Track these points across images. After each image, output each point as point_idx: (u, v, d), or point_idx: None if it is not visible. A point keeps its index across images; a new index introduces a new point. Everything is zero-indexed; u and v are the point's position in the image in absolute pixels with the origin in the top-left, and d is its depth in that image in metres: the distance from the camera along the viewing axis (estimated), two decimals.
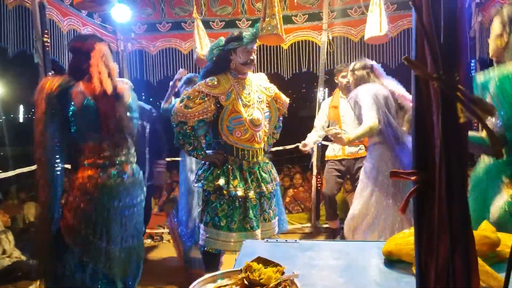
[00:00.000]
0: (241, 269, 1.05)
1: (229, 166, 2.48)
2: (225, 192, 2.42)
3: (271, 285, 0.96)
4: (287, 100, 2.79)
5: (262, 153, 2.64)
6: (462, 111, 0.51)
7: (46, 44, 3.08)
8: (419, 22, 0.55)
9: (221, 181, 2.43)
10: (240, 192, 2.42)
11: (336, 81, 3.87)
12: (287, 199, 5.41)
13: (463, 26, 0.55)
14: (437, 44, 0.53)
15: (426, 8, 0.58)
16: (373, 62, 2.89)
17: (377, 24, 3.55)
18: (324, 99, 4.26)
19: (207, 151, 2.58)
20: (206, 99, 2.44)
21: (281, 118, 2.82)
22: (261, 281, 0.98)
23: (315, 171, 4.38)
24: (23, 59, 3.23)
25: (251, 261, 1.07)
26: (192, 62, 4.47)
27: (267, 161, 2.70)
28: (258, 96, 2.58)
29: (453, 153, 0.54)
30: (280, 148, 4.62)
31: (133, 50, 4.54)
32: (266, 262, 1.07)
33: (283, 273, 1.03)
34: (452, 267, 0.66)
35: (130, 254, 2.11)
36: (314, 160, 4.32)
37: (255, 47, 2.53)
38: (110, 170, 2.00)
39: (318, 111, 4.00)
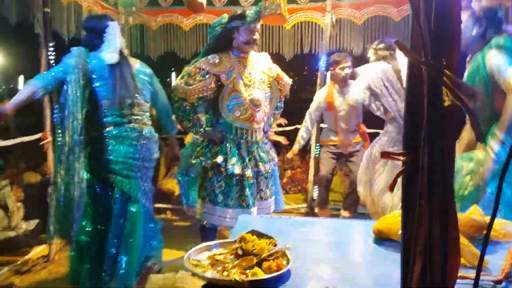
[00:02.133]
0: (235, 240, 1.10)
1: (228, 144, 2.51)
2: (222, 169, 2.46)
3: (264, 255, 1.01)
4: (289, 81, 2.77)
5: (261, 133, 2.66)
6: (447, 95, 0.54)
7: (47, 14, 3.06)
8: (412, 9, 0.57)
9: (219, 159, 2.46)
10: (237, 170, 2.46)
11: (331, 72, 3.75)
12: (285, 180, 5.47)
13: (454, 14, 0.58)
14: (427, 31, 0.55)
15: None
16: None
17: None
18: (325, 82, 4.22)
19: (207, 128, 2.60)
20: (207, 76, 2.44)
21: (282, 99, 2.81)
22: (254, 251, 1.03)
23: (313, 153, 4.42)
24: (24, 29, 3.21)
25: (246, 233, 1.12)
26: (193, 39, 4.44)
27: (266, 141, 2.72)
28: (259, 76, 2.57)
29: (437, 135, 0.58)
30: (280, 129, 4.64)
31: (134, 24, 4.49)
32: (259, 235, 1.12)
33: (275, 245, 1.08)
34: (431, 242, 0.70)
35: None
36: (312, 142, 4.35)
37: (258, 26, 2.50)
38: (126, 126, 2.33)
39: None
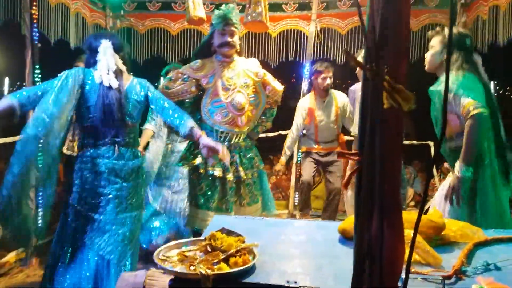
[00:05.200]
0: (205, 237, 1.14)
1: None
2: (201, 171, 2.48)
3: (231, 251, 1.06)
4: (279, 88, 2.75)
5: (245, 138, 2.65)
6: (386, 98, 0.60)
7: (33, 16, 3.07)
8: (361, 23, 0.64)
9: (198, 160, 2.49)
10: (217, 172, 2.47)
11: (313, 81, 3.80)
12: (269, 186, 5.49)
13: (397, 28, 0.64)
14: (373, 42, 0.62)
15: (370, 12, 0.67)
16: None
17: None
18: (309, 90, 4.29)
19: None
20: (187, 81, 2.50)
21: (274, 107, 2.78)
22: (222, 247, 1.07)
23: (295, 158, 4.48)
24: (10, 30, 3.22)
25: (216, 231, 1.16)
26: (181, 44, 4.49)
27: (250, 147, 2.69)
28: (243, 81, 2.58)
29: (378, 134, 0.63)
30: (263, 135, 4.69)
31: (121, 28, 4.52)
32: (229, 233, 1.16)
33: (243, 242, 1.12)
34: (381, 236, 0.75)
35: (117, 232, 2.17)
36: (295, 148, 4.41)
37: (233, 29, 2.51)
38: (102, 148, 2.17)
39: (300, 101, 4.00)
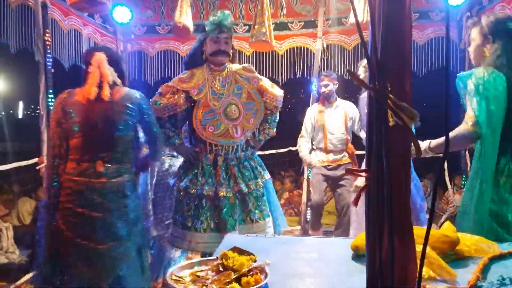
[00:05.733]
0: (217, 257, 1.15)
1: (200, 163, 2.41)
2: (192, 191, 2.36)
3: (243, 271, 1.06)
4: (278, 93, 2.59)
5: (243, 148, 2.51)
6: (391, 116, 0.61)
7: (47, 42, 3.17)
8: (361, 42, 0.65)
9: (188, 180, 2.39)
10: (207, 191, 2.34)
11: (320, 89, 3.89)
12: (282, 201, 5.47)
13: (399, 46, 0.65)
14: (375, 61, 0.63)
15: (372, 29, 0.69)
16: None
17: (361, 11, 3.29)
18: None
19: (187, 145, 2.54)
20: (175, 94, 2.40)
21: (275, 113, 2.63)
22: (234, 267, 1.07)
23: (305, 174, 4.47)
24: (25, 56, 3.32)
25: (227, 250, 1.16)
26: None
27: (251, 156, 2.56)
28: (236, 89, 2.47)
29: (385, 152, 0.64)
30: (273, 151, 4.71)
31: (132, 51, 4.63)
32: (241, 252, 1.17)
33: (255, 261, 1.12)
34: (391, 254, 0.75)
35: (102, 257, 2.01)
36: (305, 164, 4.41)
37: (228, 37, 2.43)
38: (84, 165, 2.05)
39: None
